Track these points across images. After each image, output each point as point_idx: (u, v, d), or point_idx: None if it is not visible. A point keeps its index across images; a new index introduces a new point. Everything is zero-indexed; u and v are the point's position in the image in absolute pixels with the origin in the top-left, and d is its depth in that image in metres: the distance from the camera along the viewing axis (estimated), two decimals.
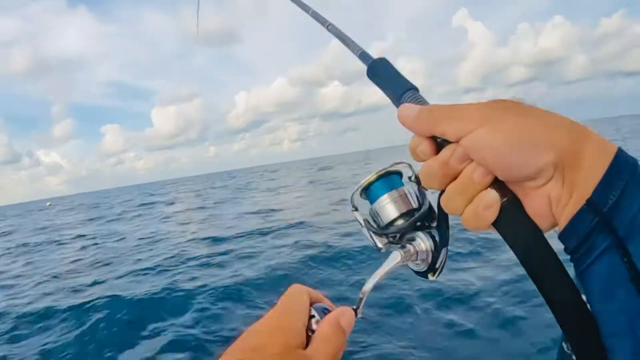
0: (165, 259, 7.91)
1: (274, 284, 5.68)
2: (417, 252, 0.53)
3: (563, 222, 0.40)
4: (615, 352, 0.37)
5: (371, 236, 0.57)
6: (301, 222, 9.90)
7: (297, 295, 0.49)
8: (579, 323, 0.39)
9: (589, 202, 0.38)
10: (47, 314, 5.63)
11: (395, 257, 0.52)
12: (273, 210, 13.26)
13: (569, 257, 0.40)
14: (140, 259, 8.33)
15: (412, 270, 0.57)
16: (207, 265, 7.14)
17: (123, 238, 11.86)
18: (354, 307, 0.50)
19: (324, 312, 0.49)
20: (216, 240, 9.19)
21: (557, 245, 0.42)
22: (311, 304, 0.49)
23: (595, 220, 0.37)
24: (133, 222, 16.17)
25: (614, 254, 0.36)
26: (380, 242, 0.56)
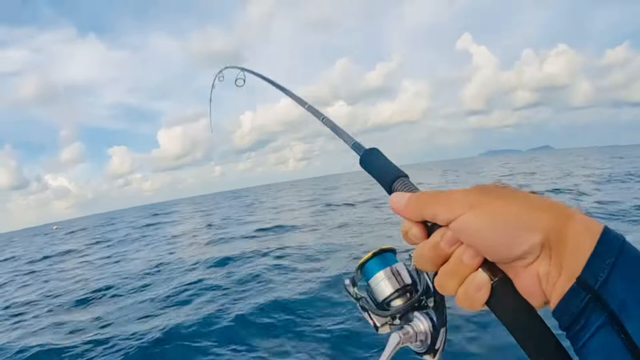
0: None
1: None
2: (415, 332, 0.53)
3: (555, 299, 0.41)
4: None
5: (370, 316, 0.57)
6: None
7: None
8: None
9: (579, 280, 0.38)
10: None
11: (395, 340, 0.52)
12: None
13: (564, 332, 0.41)
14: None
15: (412, 350, 0.56)
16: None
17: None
18: None
19: None
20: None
21: (550, 322, 0.43)
22: None
23: (587, 297, 0.37)
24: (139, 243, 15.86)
25: (610, 330, 0.36)
26: (378, 322, 0.56)
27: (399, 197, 0.51)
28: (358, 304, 0.58)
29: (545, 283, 0.42)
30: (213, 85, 1.67)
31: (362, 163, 0.62)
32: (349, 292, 0.59)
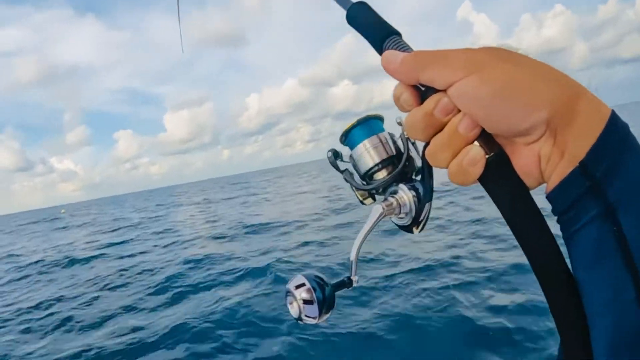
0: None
1: None
2: (399, 205, 0.51)
3: (552, 182, 0.38)
4: (596, 325, 0.36)
5: (353, 190, 0.55)
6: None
7: None
8: (561, 288, 0.38)
9: (581, 164, 0.36)
10: None
11: (377, 211, 0.51)
12: None
13: (555, 217, 0.39)
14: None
15: (396, 224, 0.55)
16: None
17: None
18: (346, 277, 0.49)
19: (316, 281, 0.48)
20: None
21: (542, 204, 0.41)
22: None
23: (586, 184, 0.35)
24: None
25: (603, 223, 0.35)
26: (361, 196, 0.55)
27: (392, 55, 0.45)
28: (342, 176, 0.56)
29: (544, 164, 0.39)
30: None
31: (349, 19, 0.55)
32: (332, 164, 0.56)
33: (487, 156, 0.41)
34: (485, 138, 0.41)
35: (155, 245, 11.05)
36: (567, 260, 0.39)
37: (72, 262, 10.51)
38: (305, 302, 0.45)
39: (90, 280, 8.20)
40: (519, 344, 3.50)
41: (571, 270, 0.38)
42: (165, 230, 14.23)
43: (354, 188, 0.55)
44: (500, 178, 0.41)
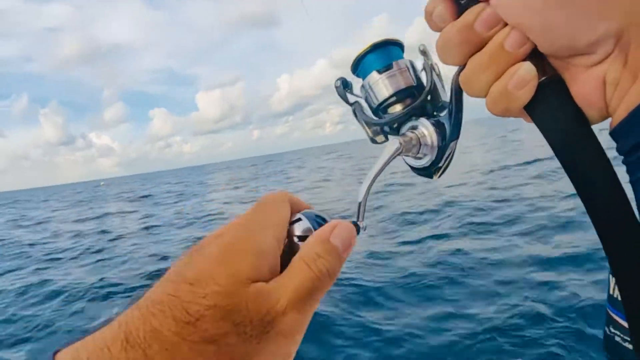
0: None
1: None
2: (419, 142, 0.44)
3: (621, 113, 0.32)
4: None
5: (363, 126, 0.48)
6: None
7: (271, 202, 0.38)
8: (628, 244, 0.32)
9: None
10: None
11: (393, 145, 0.43)
12: None
13: (620, 158, 0.33)
14: None
15: (411, 167, 0.48)
16: None
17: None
18: (353, 220, 0.40)
19: (317, 221, 0.38)
20: None
21: (606, 144, 0.34)
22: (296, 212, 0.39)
23: None
24: None
25: None
26: (372, 133, 0.47)
27: None
28: (351, 110, 0.49)
29: (612, 91, 0.32)
30: None
31: None
32: (340, 95, 0.48)
33: (538, 79, 0.34)
34: (537, 59, 0.34)
35: None
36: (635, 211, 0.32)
37: None
38: (301, 238, 0.36)
39: None
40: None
41: None
42: None
43: (363, 123, 0.48)
44: (552, 106, 0.35)
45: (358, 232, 0.39)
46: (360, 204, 0.41)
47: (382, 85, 0.45)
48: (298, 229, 0.37)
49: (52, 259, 7.74)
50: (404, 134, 0.44)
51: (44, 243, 9.76)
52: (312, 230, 0.37)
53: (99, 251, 7.92)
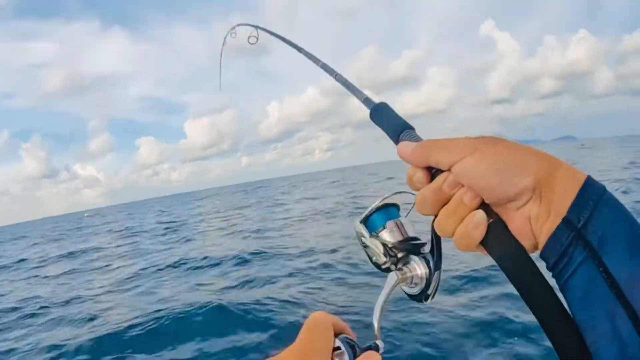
0: None
1: None
2: (412, 275, 0.57)
3: (543, 239, 0.44)
4: (601, 355, 0.39)
5: (374, 250, 0.60)
6: None
7: (321, 326, 0.50)
8: (563, 330, 0.42)
9: (564, 219, 0.42)
10: None
11: (393, 278, 0.57)
12: None
13: (550, 274, 0.45)
14: None
15: (406, 294, 0.59)
16: None
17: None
18: (373, 342, 0.53)
19: (349, 344, 0.50)
20: None
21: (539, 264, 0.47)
22: (335, 335, 0.51)
23: (571, 235, 0.42)
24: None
25: (591, 265, 0.40)
26: (381, 258, 0.59)
27: (406, 145, 0.55)
28: (365, 242, 0.62)
29: (535, 224, 0.46)
30: (224, 42, 1.67)
31: (372, 116, 0.68)
32: (358, 232, 0.62)
33: (488, 221, 0.48)
34: (485, 207, 0.49)
35: None
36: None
37: None
38: None
39: None
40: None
41: (571, 315, 0.43)
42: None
43: (379, 244, 0.60)
44: (499, 240, 0.48)
45: (378, 349, 0.52)
46: (375, 326, 0.56)
47: (386, 236, 0.60)
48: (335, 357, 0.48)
49: None
50: (400, 269, 0.58)
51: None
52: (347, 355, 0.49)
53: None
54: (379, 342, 0.53)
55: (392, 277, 0.57)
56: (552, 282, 0.45)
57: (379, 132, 0.68)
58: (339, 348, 0.48)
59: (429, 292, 0.56)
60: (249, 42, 1.35)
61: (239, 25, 1.45)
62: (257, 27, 1.34)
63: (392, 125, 0.62)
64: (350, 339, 0.51)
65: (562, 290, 0.43)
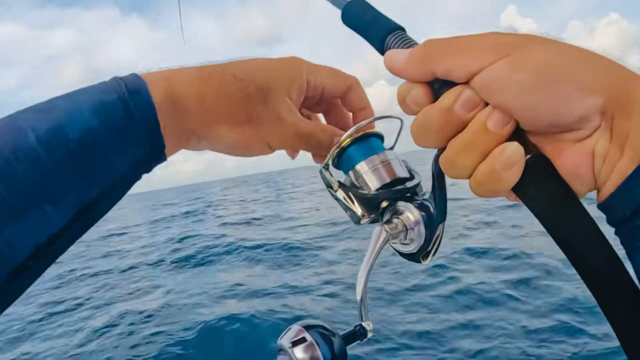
0: None
1: None
2: (405, 227, 0.43)
3: (611, 185, 0.31)
4: None
5: (347, 204, 0.47)
6: None
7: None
8: (630, 314, 0.31)
9: None
10: None
11: (379, 235, 0.43)
12: None
13: (612, 230, 0.33)
14: None
15: (399, 253, 0.47)
16: None
17: None
18: (358, 324, 0.41)
19: (321, 334, 0.38)
20: None
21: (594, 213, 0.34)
22: (307, 328, 0.38)
23: None
24: None
25: None
26: (359, 211, 0.46)
27: (398, 53, 0.38)
28: (337, 185, 0.48)
29: (600, 163, 0.32)
30: None
31: (345, 19, 0.50)
32: (324, 180, 0.48)
33: (525, 158, 0.34)
34: (520, 137, 0.35)
35: None
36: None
37: None
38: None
39: None
40: None
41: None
42: None
43: (353, 198, 0.47)
44: (542, 185, 0.34)
45: (365, 335, 0.40)
46: (360, 302, 0.41)
47: (366, 179, 0.46)
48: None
49: None
50: (389, 221, 0.44)
51: None
52: (316, 346, 0.36)
53: None
54: (366, 324, 0.41)
55: (378, 232, 0.43)
56: (614, 242, 0.33)
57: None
58: (303, 340, 0.37)
59: (428, 249, 0.44)
60: None
61: None
62: None
63: (374, 27, 0.46)
64: (325, 327, 0.39)
65: (630, 258, 0.32)
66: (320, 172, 0.49)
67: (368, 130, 0.47)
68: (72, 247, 0.41)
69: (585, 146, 0.32)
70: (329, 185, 0.48)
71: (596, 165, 0.32)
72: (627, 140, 0.30)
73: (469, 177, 0.36)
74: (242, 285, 5.70)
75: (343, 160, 0.47)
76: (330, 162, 0.48)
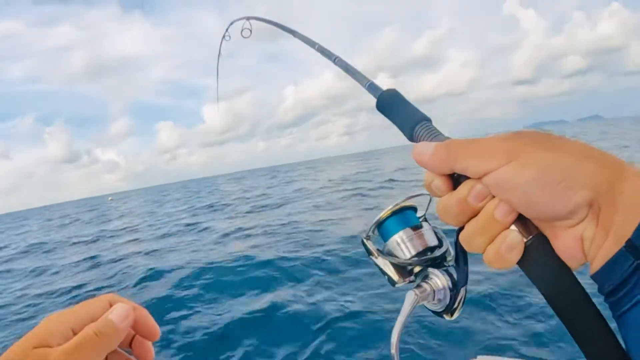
0: None
1: None
2: (433, 290, 0.50)
3: (598, 263, 0.37)
4: None
5: (385, 270, 0.53)
6: None
7: (92, 305, 0.46)
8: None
9: (628, 243, 0.34)
10: None
11: (411, 297, 0.50)
12: None
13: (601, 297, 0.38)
14: None
15: (429, 309, 0.53)
16: None
17: None
18: None
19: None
20: None
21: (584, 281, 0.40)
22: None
23: (635, 263, 0.34)
24: None
25: None
26: (395, 276, 0.53)
27: (425, 148, 0.45)
28: (376, 252, 0.54)
29: (588, 245, 0.38)
30: (219, 53, 1.64)
31: (379, 106, 0.57)
32: (366, 249, 0.55)
33: (525, 240, 0.40)
34: (522, 222, 0.40)
35: None
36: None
37: None
38: None
39: None
40: None
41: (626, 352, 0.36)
42: None
43: (389, 263, 0.53)
44: (540, 261, 0.40)
45: None
46: (393, 354, 0.49)
47: (403, 248, 0.52)
48: None
49: None
50: (419, 285, 0.50)
51: None
52: None
53: None
54: None
55: (410, 297, 0.49)
56: (601, 306, 0.39)
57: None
58: None
59: (453, 307, 0.50)
60: (242, 35, 1.28)
61: (231, 25, 1.39)
62: (248, 18, 1.27)
63: (405, 116, 0.52)
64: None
65: (617, 322, 0.37)
66: (362, 241, 0.55)
67: (404, 204, 0.53)
68: None
69: (575, 232, 0.38)
70: (369, 253, 0.55)
71: (585, 246, 0.38)
72: (612, 227, 0.35)
73: (482, 252, 0.42)
74: None
75: (383, 230, 0.54)
76: (370, 233, 0.55)
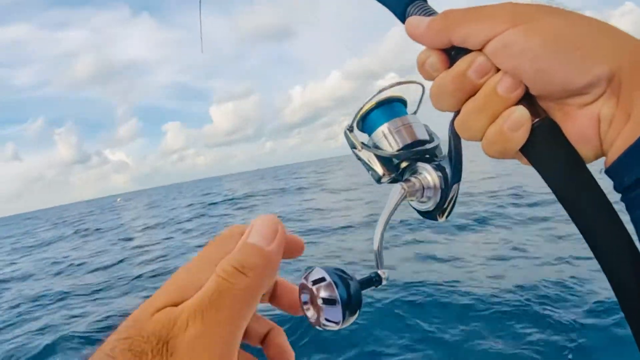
0: None
1: None
2: (422, 186, 0.46)
3: (617, 150, 0.32)
4: None
5: (369, 162, 0.49)
6: None
7: (219, 239, 0.36)
8: (635, 281, 0.31)
9: None
10: None
11: (397, 192, 0.45)
12: None
13: (618, 195, 0.33)
14: None
15: (417, 210, 0.49)
16: None
17: None
18: (373, 272, 0.42)
19: (340, 275, 0.38)
20: None
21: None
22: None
23: None
24: None
25: None
26: (380, 171, 0.49)
27: (420, 19, 0.40)
28: (360, 146, 0.50)
29: (606, 127, 0.33)
30: None
31: None
32: (349, 141, 0.51)
33: (532, 121, 0.36)
34: (529, 102, 0.36)
35: None
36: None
37: None
38: (326, 301, 0.37)
39: None
40: None
41: None
42: None
43: (374, 157, 0.49)
44: (548, 146, 0.35)
45: (380, 282, 0.41)
46: (376, 252, 0.43)
47: (389, 140, 0.47)
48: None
49: None
50: (407, 179, 0.46)
51: None
52: (334, 286, 0.37)
53: None
54: (381, 272, 0.42)
55: (397, 190, 0.45)
56: (617, 206, 0.34)
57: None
58: (323, 280, 0.37)
59: (444, 206, 0.46)
60: None
61: None
62: None
63: None
64: (344, 271, 0.39)
65: (634, 223, 0.32)
66: (345, 133, 0.50)
67: (391, 95, 0.48)
68: None
69: (591, 110, 0.33)
70: (353, 146, 0.50)
71: (602, 128, 0.33)
72: (634, 108, 0.31)
73: (480, 139, 0.37)
74: None
75: (367, 123, 0.49)
76: (354, 125, 0.50)
